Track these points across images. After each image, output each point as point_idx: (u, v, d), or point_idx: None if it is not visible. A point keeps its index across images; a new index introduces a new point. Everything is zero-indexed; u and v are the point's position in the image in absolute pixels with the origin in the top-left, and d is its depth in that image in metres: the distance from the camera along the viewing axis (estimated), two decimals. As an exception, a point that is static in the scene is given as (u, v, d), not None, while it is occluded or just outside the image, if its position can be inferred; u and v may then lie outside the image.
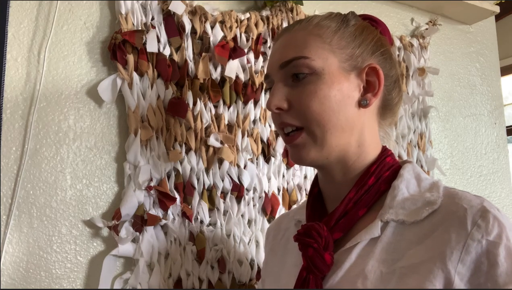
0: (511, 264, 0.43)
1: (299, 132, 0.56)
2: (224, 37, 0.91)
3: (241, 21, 0.94)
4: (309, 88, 0.54)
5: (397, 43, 1.21)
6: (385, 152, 0.59)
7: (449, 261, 0.45)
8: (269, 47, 0.97)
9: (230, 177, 0.89)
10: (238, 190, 0.90)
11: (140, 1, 0.84)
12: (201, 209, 0.86)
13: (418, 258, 0.47)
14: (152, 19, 0.85)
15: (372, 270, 0.49)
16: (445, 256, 0.45)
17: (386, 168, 0.57)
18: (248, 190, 0.91)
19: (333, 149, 0.55)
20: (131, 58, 0.81)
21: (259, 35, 0.96)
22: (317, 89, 0.54)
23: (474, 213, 0.46)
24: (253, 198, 0.92)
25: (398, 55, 1.22)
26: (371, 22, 0.62)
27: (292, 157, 0.58)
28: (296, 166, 0.99)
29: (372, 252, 0.51)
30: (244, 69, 0.93)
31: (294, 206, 0.97)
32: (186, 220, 0.84)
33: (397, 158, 0.61)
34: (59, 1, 0.79)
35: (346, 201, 0.55)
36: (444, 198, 0.51)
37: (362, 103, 0.56)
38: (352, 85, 0.56)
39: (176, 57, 0.86)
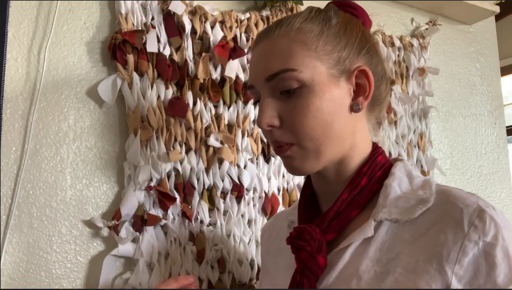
0: (508, 265, 0.44)
1: (289, 145, 0.54)
2: (224, 37, 0.91)
3: (241, 21, 0.94)
4: (301, 103, 0.52)
5: (397, 43, 1.21)
6: (376, 150, 0.58)
7: (446, 262, 0.45)
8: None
9: (230, 177, 0.89)
10: (238, 190, 0.90)
11: (140, 1, 0.84)
12: (201, 209, 0.86)
13: (413, 257, 0.47)
14: (152, 19, 0.85)
15: (366, 270, 0.49)
16: (441, 257, 0.45)
17: (378, 168, 0.56)
18: (248, 190, 0.91)
19: (328, 158, 0.55)
20: (131, 58, 0.81)
21: (259, 35, 0.96)
22: (309, 103, 0.51)
23: (471, 213, 0.46)
24: (253, 198, 0.92)
25: (398, 55, 1.22)
26: (351, 11, 0.58)
27: (287, 168, 0.57)
28: (296, 166, 0.99)
29: (366, 251, 0.50)
30: (244, 69, 0.93)
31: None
32: (186, 220, 0.84)
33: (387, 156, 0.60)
34: (59, 1, 0.79)
35: (339, 203, 0.54)
36: (437, 196, 0.50)
37: (354, 108, 0.54)
38: (343, 91, 0.54)
39: (176, 57, 0.86)
